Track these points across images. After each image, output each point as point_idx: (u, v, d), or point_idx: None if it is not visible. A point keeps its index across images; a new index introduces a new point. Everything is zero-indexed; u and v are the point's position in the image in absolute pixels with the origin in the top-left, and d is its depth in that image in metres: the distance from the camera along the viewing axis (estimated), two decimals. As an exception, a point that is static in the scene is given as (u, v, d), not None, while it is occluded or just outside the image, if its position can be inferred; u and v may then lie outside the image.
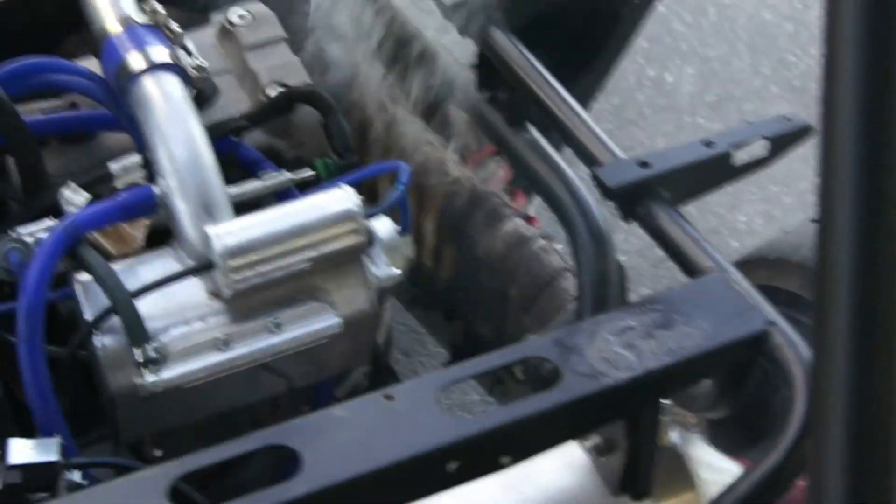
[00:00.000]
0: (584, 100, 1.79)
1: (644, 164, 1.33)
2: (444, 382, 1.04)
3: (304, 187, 1.37)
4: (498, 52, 1.50)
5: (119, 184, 1.31)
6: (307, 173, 1.38)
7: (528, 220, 1.57)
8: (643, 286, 2.21)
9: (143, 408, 1.19)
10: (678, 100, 2.84)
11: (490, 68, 1.51)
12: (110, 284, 1.17)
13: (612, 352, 1.07)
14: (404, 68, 1.62)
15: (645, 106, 2.81)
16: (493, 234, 1.51)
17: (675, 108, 2.80)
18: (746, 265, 1.49)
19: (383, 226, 1.30)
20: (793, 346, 1.11)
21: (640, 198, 1.32)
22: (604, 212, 1.42)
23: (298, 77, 1.45)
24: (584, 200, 1.42)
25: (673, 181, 1.35)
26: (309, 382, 1.30)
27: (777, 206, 2.52)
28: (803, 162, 2.73)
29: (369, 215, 1.27)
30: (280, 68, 1.45)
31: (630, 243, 1.33)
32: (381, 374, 1.40)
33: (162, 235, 1.29)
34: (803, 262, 1.50)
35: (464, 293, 1.57)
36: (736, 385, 1.19)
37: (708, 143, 1.37)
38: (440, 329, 1.69)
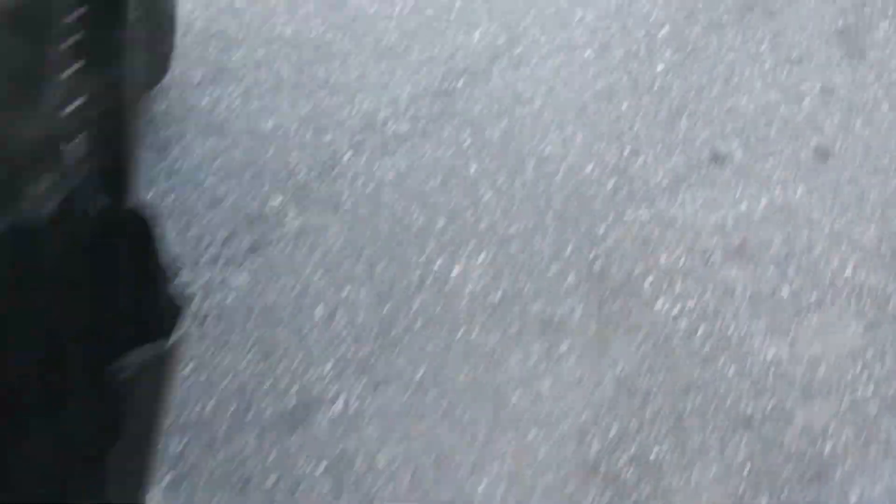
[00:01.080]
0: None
1: None
2: None
3: None
4: None
5: None
6: None
7: None
8: None
9: None
10: (456, 304, 2.45)
11: None
12: None
13: None
14: None
15: (418, 315, 2.43)
16: None
17: (449, 319, 2.41)
18: None
19: None
20: None
21: None
22: None
23: None
24: None
25: None
26: None
27: (530, 458, 2.10)
28: (576, 386, 2.31)
29: None
30: None
31: None
32: None
33: None
34: None
35: None
36: None
37: None
38: None
